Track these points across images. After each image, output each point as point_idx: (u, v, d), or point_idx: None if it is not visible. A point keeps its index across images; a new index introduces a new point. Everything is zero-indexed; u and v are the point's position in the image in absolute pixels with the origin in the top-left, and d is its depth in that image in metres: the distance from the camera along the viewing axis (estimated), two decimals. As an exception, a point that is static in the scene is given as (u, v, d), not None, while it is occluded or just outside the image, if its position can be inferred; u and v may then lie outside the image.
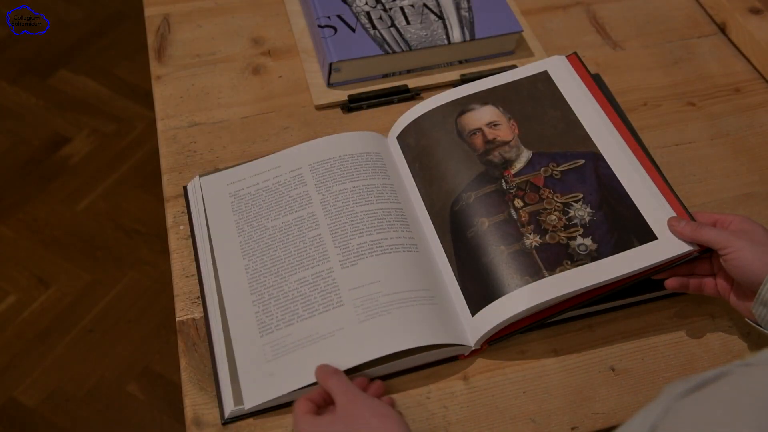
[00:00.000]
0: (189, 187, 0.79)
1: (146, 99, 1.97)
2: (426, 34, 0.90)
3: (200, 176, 0.79)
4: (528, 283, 0.66)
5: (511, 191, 0.73)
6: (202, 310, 0.71)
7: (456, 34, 0.90)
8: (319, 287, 0.69)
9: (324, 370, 0.63)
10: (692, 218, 0.67)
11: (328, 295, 0.68)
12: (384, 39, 0.89)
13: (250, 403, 0.64)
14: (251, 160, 0.80)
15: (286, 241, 0.72)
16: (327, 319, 0.67)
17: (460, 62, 0.93)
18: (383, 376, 0.66)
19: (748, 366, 0.43)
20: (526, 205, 0.72)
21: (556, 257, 0.67)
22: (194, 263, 0.74)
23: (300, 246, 0.72)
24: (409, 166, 0.79)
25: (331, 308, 0.67)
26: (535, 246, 0.69)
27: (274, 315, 0.68)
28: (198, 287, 0.73)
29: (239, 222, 0.75)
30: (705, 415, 0.38)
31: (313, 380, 0.63)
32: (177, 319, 0.71)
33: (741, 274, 0.62)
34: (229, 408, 0.64)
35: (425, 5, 0.93)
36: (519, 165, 0.75)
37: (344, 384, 0.61)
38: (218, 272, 0.72)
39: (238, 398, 0.64)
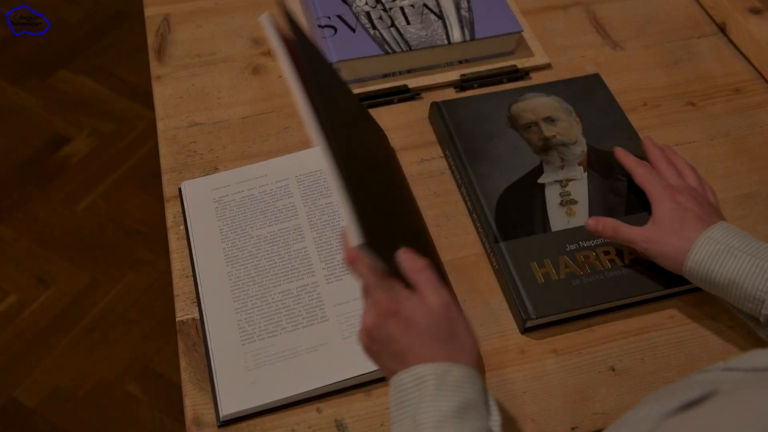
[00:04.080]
0: (183, 188, 0.79)
1: (146, 99, 1.97)
2: (426, 34, 0.90)
3: (184, 181, 0.79)
4: None
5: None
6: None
7: (456, 34, 0.90)
8: (304, 301, 0.69)
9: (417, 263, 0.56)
10: None
11: (313, 310, 0.68)
12: (384, 39, 0.89)
13: (227, 410, 0.63)
14: (250, 163, 0.80)
15: (271, 252, 0.72)
16: (311, 333, 0.67)
17: (460, 62, 0.93)
18: (375, 379, 0.66)
19: (731, 371, 0.43)
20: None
21: None
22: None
23: (285, 257, 0.72)
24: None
25: (315, 323, 0.68)
26: None
27: (256, 324, 0.68)
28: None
29: (223, 228, 0.75)
30: None
31: (295, 392, 0.63)
32: (177, 319, 0.71)
33: (663, 265, 0.67)
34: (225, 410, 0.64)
35: (425, 5, 0.93)
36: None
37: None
38: (200, 277, 0.72)
39: None
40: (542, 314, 0.68)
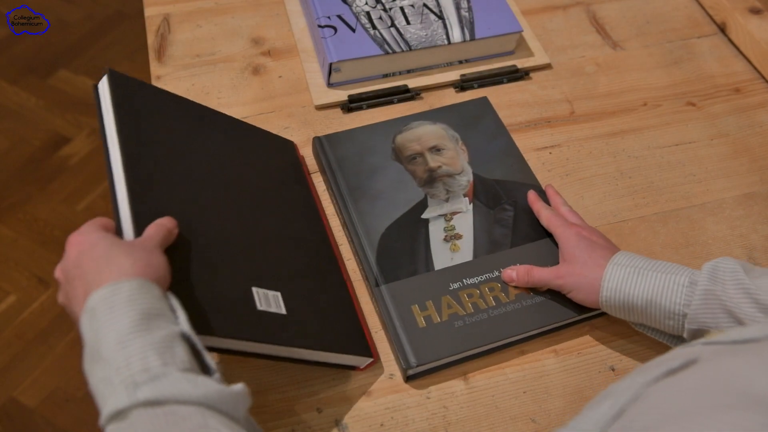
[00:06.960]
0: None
1: (146, 99, 1.97)
2: (426, 34, 0.90)
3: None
4: None
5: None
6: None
7: (456, 34, 0.90)
8: None
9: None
10: None
11: None
12: (384, 39, 0.89)
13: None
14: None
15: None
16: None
17: (460, 62, 0.93)
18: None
19: (712, 345, 0.46)
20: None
21: None
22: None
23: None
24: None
25: None
26: None
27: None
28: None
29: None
30: (673, 401, 0.39)
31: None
32: (177, 319, 0.71)
33: (580, 300, 0.67)
34: None
35: (425, 5, 0.93)
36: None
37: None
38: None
39: None
40: (423, 361, 0.64)
